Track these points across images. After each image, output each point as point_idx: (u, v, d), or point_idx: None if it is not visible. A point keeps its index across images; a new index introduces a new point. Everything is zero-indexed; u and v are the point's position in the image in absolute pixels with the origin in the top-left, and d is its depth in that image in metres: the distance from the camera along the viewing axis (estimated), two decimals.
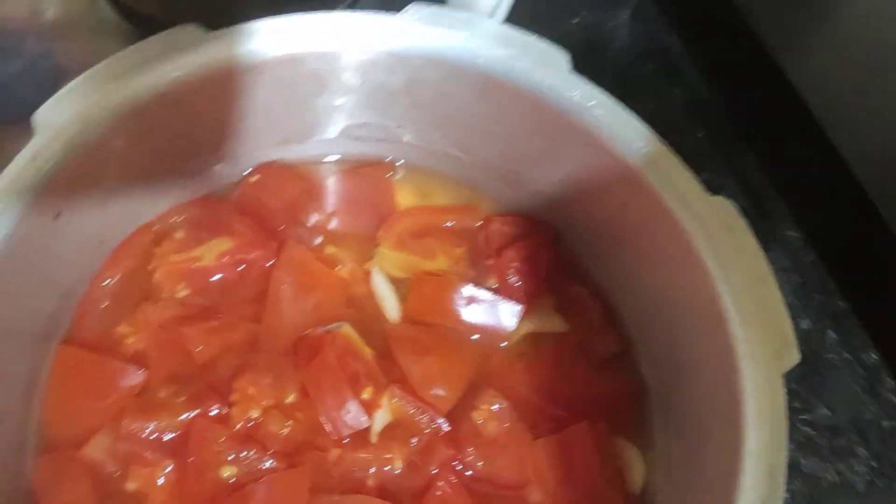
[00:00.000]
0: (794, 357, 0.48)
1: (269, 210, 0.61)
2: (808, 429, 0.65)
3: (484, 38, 0.55)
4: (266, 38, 0.53)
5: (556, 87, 0.54)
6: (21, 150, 0.47)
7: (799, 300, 0.70)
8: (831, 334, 0.69)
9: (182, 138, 0.55)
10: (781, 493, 0.45)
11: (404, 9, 0.55)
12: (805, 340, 0.68)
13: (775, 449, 0.45)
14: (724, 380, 0.48)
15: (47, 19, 0.75)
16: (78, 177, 0.50)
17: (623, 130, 0.53)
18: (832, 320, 0.70)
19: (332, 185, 0.65)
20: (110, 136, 0.50)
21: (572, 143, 0.56)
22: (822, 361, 0.68)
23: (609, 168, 0.54)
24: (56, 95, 0.49)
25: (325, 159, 0.65)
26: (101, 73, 0.50)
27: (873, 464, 0.65)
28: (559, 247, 0.63)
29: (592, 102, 0.54)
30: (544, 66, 0.55)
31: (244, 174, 0.63)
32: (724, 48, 0.80)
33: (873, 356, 0.69)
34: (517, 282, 0.61)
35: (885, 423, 0.66)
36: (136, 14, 0.71)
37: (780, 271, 0.71)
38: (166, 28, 0.52)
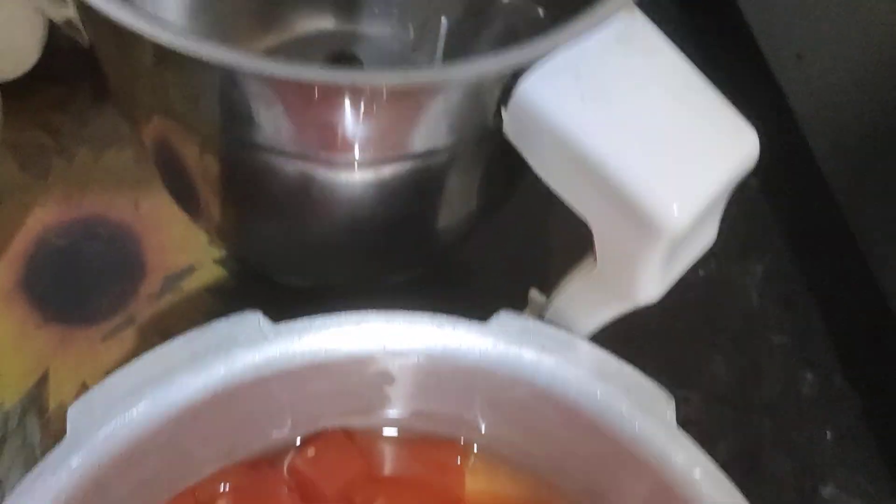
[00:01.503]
0: None
1: (321, 492, 0.55)
2: None
3: (579, 366, 0.48)
4: (334, 335, 0.48)
5: (656, 442, 0.46)
6: None
7: None
8: None
9: (232, 425, 0.50)
10: None
11: (491, 318, 0.49)
12: None
13: None
14: None
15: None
16: (106, 481, 0.45)
17: None
18: None
19: (394, 462, 0.58)
20: (151, 436, 0.46)
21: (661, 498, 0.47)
22: None
23: None
24: (89, 393, 0.44)
25: (391, 431, 0.59)
26: (146, 368, 0.46)
27: None
28: None
29: (697, 473, 0.45)
30: (644, 411, 0.47)
31: (300, 440, 0.57)
32: (872, 329, 0.70)
33: None
34: None
35: None
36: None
37: None
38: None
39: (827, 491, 0.62)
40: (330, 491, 0.55)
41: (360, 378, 0.51)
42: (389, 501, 0.57)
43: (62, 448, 0.43)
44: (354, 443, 0.58)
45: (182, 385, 0.46)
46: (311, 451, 0.57)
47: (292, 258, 0.64)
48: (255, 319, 0.47)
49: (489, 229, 0.61)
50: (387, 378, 0.51)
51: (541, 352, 0.48)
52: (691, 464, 0.46)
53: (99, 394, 0.44)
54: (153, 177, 0.62)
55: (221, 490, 0.55)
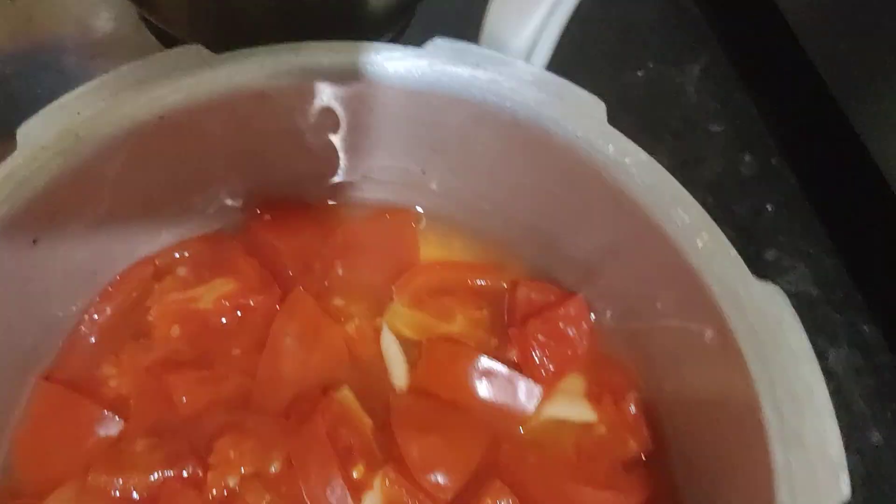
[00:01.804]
0: (841, 493, 0.40)
1: (278, 253, 0.57)
2: None
3: (513, 79, 0.49)
4: (274, 63, 0.49)
5: (589, 139, 0.48)
6: None
7: (871, 408, 0.61)
8: None
9: (186, 167, 0.52)
10: None
11: (427, 42, 0.50)
12: (876, 458, 0.59)
13: None
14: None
15: (92, 38, 0.73)
16: (61, 201, 0.46)
17: (661, 194, 0.47)
18: None
19: (350, 229, 0.60)
20: (101, 159, 0.46)
21: (606, 204, 0.49)
22: (894, 484, 0.59)
23: (645, 237, 0.48)
24: (44, 110, 0.45)
25: (346, 202, 0.60)
26: (95, 91, 0.46)
27: None
28: (592, 323, 0.56)
29: (628, 159, 0.47)
30: (578, 114, 0.49)
31: (256, 212, 0.58)
32: (803, 114, 0.72)
33: None
34: (541, 357, 0.55)
35: None
36: (168, 37, 0.68)
37: (852, 373, 0.62)
38: None
39: (770, 254, 0.65)
40: (287, 250, 0.57)
41: (303, 119, 0.52)
42: (347, 266, 0.58)
43: (11, 160, 0.44)
44: (310, 211, 0.59)
45: (128, 105, 0.46)
46: (267, 217, 0.58)
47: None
48: (197, 50, 0.48)
49: None
50: (331, 119, 0.52)
51: (475, 69, 0.49)
52: (621, 153, 0.48)
53: (49, 112, 0.45)
54: None
55: (180, 257, 0.57)
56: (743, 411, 0.43)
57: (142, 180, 0.50)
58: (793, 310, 0.44)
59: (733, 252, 0.45)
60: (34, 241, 0.46)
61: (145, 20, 0.72)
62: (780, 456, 0.40)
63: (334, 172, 0.57)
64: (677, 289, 0.48)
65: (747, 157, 0.70)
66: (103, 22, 0.75)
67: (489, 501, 0.50)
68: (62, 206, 0.46)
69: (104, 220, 0.50)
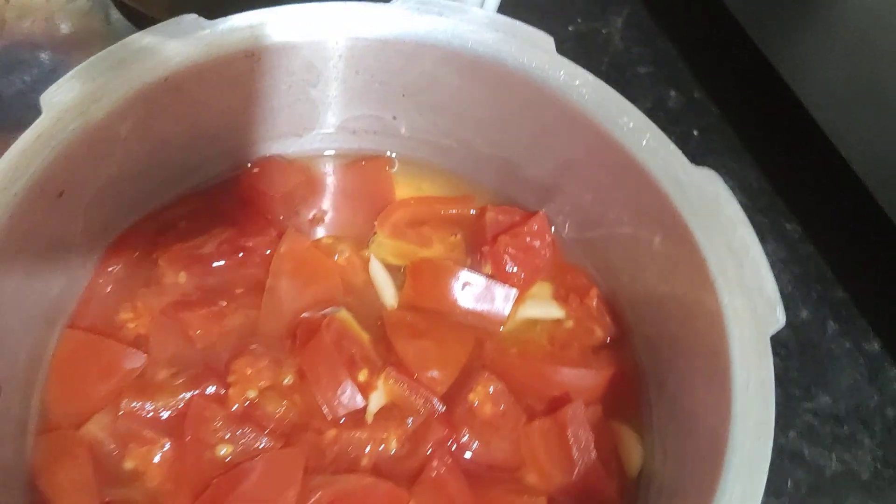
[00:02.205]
0: (779, 320, 0.48)
1: (269, 200, 0.63)
2: (810, 417, 0.65)
3: (472, 23, 0.57)
4: (260, 26, 0.55)
5: (542, 68, 0.56)
6: None
7: (798, 291, 0.70)
8: (831, 324, 0.69)
9: (184, 125, 0.57)
10: (768, 453, 0.45)
11: None
12: (805, 330, 0.68)
13: (762, 411, 0.45)
14: (713, 349, 0.49)
15: (62, 33, 0.78)
16: (82, 156, 0.51)
17: (608, 107, 0.55)
18: (831, 310, 0.69)
19: (331, 178, 0.66)
20: (114, 118, 0.52)
21: (561, 125, 0.57)
22: (822, 351, 0.68)
23: (597, 147, 0.55)
24: (63, 78, 0.51)
25: (325, 153, 0.67)
26: (106, 59, 0.52)
27: (878, 452, 0.64)
28: (554, 235, 0.64)
29: (577, 81, 0.55)
30: (531, 48, 0.56)
31: (246, 167, 0.64)
32: (718, 50, 0.81)
33: (875, 345, 0.68)
34: (512, 268, 0.62)
35: (890, 412, 0.66)
36: (146, 19, 0.74)
37: (779, 263, 0.71)
38: None
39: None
40: (277, 197, 0.63)
41: (287, 76, 0.58)
42: (330, 209, 0.65)
43: (39, 123, 0.50)
44: (294, 163, 0.66)
45: (136, 69, 0.52)
46: (255, 169, 0.64)
47: None
48: (193, 17, 0.55)
49: None
50: (312, 74, 0.59)
51: (439, 17, 0.57)
52: (571, 77, 0.55)
53: (66, 80, 0.51)
54: None
55: (180, 212, 0.62)
56: (692, 276, 0.51)
57: (148, 139, 0.55)
58: (726, 186, 0.52)
59: (672, 146, 0.53)
60: (60, 195, 0.52)
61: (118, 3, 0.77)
62: (726, 300, 0.48)
63: (314, 125, 0.64)
64: (628, 187, 0.55)
65: (672, 93, 0.79)
66: (73, 18, 0.80)
67: (480, 388, 0.57)
68: (83, 161, 0.52)
69: (116, 178, 0.55)
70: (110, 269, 0.59)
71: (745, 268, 0.49)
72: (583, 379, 0.59)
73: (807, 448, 0.63)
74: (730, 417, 0.45)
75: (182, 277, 0.60)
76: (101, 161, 0.53)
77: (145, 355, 0.56)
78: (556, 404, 0.57)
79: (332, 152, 0.67)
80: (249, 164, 0.64)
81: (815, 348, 0.67)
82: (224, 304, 0.60)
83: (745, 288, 0.48)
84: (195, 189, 0.63)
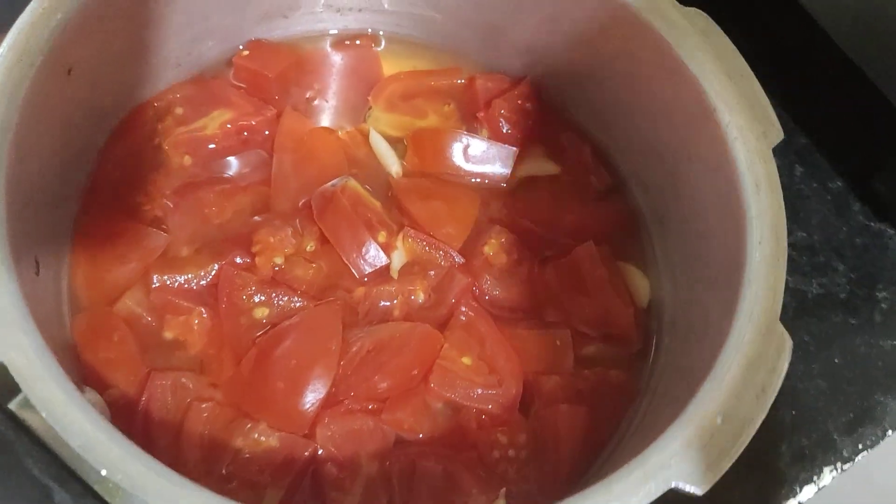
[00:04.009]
0: (778, 134, 0.52)
1: (263, 81, 0.63)
2: (788, 250, 0.70)
3: None
4: None
5: None
6: None
7: None
8: (798, 168, 0.74)
9: (177, 8, 0.57)
10: (784, 250, 0.49)
11: None
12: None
13: (776, 209, 0.49)
14: (719, 169, 0.52)
15: None
16: (88, 29, 0.51)
17: None
18: (797, 156, 0.74)
19: (320, 58, 0.67)
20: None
21: None
22: (792, 192, 0.73)
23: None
24: None
25: (312, 34, 0.67)
26: None
27: (851, 275, 0.70)
28: (543, 97, 0.67)
29: None
30: None
31: (235, 52, 0.64)
32: None
33: (839, 183, 0.74)
34: (508, 130, 0.64)
35: (858, 241, 0.71)
36: None
37: None
38: None
39: None
40: (272, 76, 0.63)
41: None
42: (323, 88, 0.66)
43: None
44: (282, 46, 0.66)
45: None
46: (245, 52, 0.64)
47: None
48: None
49: None
50: None
51: None
52: None
53: None
54: None
55: (174, 98, 0.62)
56: (689, 108, 0.54)
57: (141, 14, 0.55)
58: (716, 24, 0.55)
59: None
60: (69, 72, 0.51)
61: None
62: (726, 118, 0.51)
63: (300, 4, 0.64)
64: (617, 36, 0.58)
65: None
66: None
67: (493, 240, 0.60)
68: (89, 35, 0.51)
69: (116, 57, 0.55)
70: (116, 156, 0.59)
71: (742, 93, 0.52)
72: (586, 223, 0.62)
73: (789, 277, 0.68)
74: (745, 223, 0.49)
75: (188, 160, 0.61)
76: (103, 37, 0.53)
77: (166, 234, 0.57)
78: (566, 249, 0.60)
79: (319, 33, 0.67)
80: (240, 47, 0.64)
81: (786, 190, 0.71)
82: (234, 182, 0.61)
83: (745, 110, 0.52)
84: (188, 75, 0.63)
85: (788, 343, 0.45)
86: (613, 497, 0.40)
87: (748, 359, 0.45)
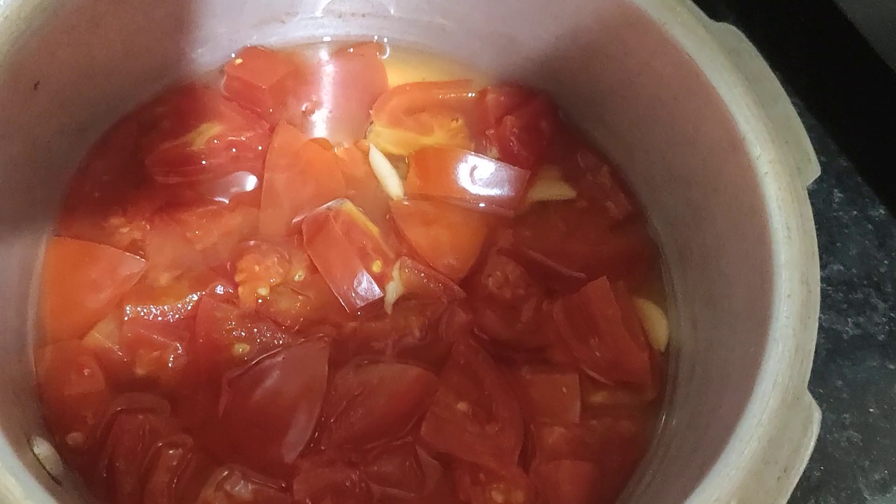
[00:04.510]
0: (815, 170, 0.47)
1: (257, 93, 0.59)
2: (822, 284, 0.64)
3: None
4: None
5: None
6: None
7: None
8: (837, 193, 0.68)
9: (161, 10, 0.53)
10: (817, 307, 0.44)
11: None
12: (812, 201, 0.67)
13: (808, 257, 0.44)
14: (746, 205, 0.47)
15: None
16: (54, 44, 0.47)
17: None
18: (837, 180, 0.69)
19: (319, 67, 0.62)
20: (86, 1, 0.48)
21: None
22: (830, 220, 0.67)
23: (607, 9, 0.53)
24: None
25: (311, 41, 0.63)
26: None
27: (893, 315, 0.64)
28: (560, 115, 0.61)
29: None
30: None
31: (227, 60, 0.60)
32: None
33: (881, 211, 0.68)
34: (519, 149, 0.59)
35: None
36: None
37: None
38: None
39: None
40: (266, 87, 0.59)
41: None
42: (322, 100, 0.61)
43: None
44: (279, 54, 0.62)
45: None
46: (238, 60, 0.60)
47: None
48: None
49: None
50: None
51: None
52: None
53: None
54: None
55: (160, 111, 0.58)
56: (716, 135, 0.49)
57: (120, 23, 0.51)
58: (749, 43, 0.49)
59: (689, 1, 0.51)
60: (35, 86, 0.47)
61: None
62: (756, 150, 0.46)
63: (298, 9, 0.60)
64: (642, 51, 0.53)
65: None
66: None
67: (498, 273, 0.55)
68: (56, 48, 0.47)
69: (92, 69, 0.51)
70: (95, 173, 0.55)
71: (775, 121, 0.47)
72: (600, 257, 0.57)
73: (822, 314, 0.63)
74: (772, 270, 0.44)
75: (172, 178, 0.57)
76: (75, 49, 0.49)
77: (144, 260, 0.53)
78: (577, 284, 0.55)
79: (318, 40, 0.63)
80: (233, 55, 0.60)
81: (823, 217, 0.67)
82: (221, 202, 0.56)
83: (777, 141, 0.47)
84: (176, 85, 0.59)
85: (817, 416, 0.40)
86: None
87: (770, 432, 0.40)
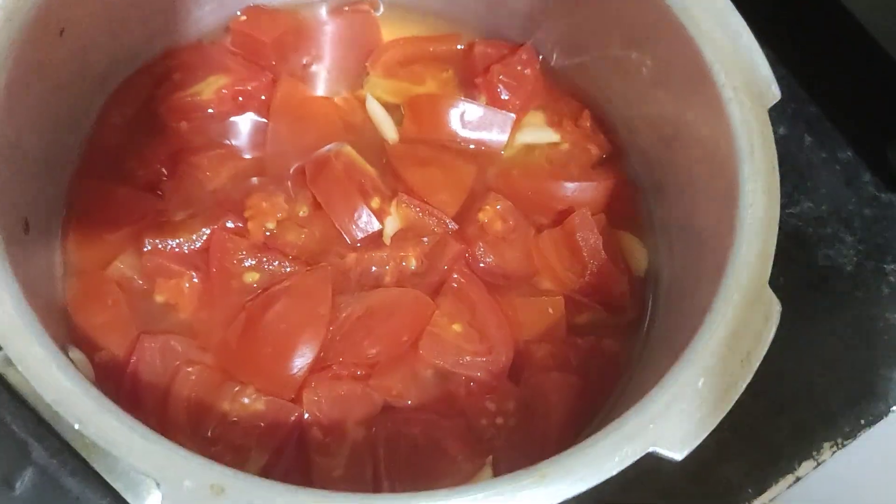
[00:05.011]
0: (775, 94, 0.51)
1: (260, 46, 0.63)
2: (795, 220, 0.68)
3: None
4: None
5: None
6: None
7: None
8: (807, 137, 0.72)
9: None
10: (776, 214, 0.48)
11: None
12: (784, 145, 0.71)
13: (769, 170, 0.48)
14: (715, 130, 0.51)
15: None
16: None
17: None
18: (806, 125, 0.73)
19: (318, 24, 0.66)
20: None
21: None
22: (801, 162, 0.71)
23: None
24: None
25: (310, 0, 0.67)
26: None
27: (860, 247, 0.68)
28: (543, 63, 0.66)
29: None
30: None
31: (233, 18, 0.64)
32: None
33: (848, 153, 0.72)
34: (506, 97, 0.63)
35: (867, 212, 0.70)
36: None
37: None
38: None
39: None
40: (269, 41, 0.63)
41: None
42: (320, 54, 0.65)
43: None
44: (279, 12, 0.66)
45: None
46: (243, 17, 0.64)
47: None
48: None
49: None
50: None
51: None
52: None
53: None
54: None
55: (171, 64, 0.62)
56: (686, 67, 0.53)
57: None
58: None
59: None
60: (61, 32, 0.51)
61: None
62: (724, 80, 0.50)
63: None
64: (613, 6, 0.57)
65: None
66: None
67: (489, 207, 0.59)
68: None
69: (110, 21, 0.55)
70: (113, 121, 0.59)
71: (739, 51, 0.51)
72: (583, 191, 0.61)
73: (794, 248, 0.67)
74: (738, 184, 0.48)
75: (184, 126, 0.61)
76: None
77: (160, 198, 0.57)
78: (562, 217, 0.59)
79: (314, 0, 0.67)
80: (238, 13, 0.64)
81: (794, 160, 0.71)
82: (229, 147, 0.60)
83: (741, 70, 0.51)
84: (186, 41, 0.63)
85: (776, 308, 0.44)
86: (589, 460, 0.39)
87: (734, 323, 0.44)
